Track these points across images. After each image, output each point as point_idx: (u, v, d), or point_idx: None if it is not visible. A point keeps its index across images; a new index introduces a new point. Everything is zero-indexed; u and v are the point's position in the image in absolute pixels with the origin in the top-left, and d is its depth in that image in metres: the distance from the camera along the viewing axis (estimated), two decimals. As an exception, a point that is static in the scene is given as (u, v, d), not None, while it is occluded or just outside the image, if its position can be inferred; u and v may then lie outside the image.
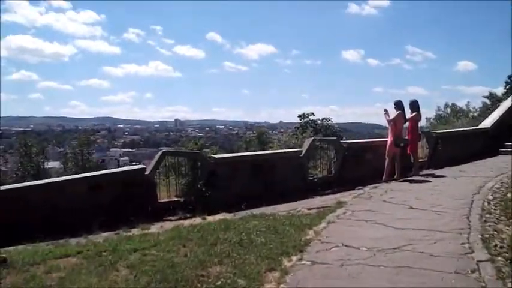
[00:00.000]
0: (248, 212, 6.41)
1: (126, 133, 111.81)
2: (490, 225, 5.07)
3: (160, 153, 7.22)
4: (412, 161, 9.51)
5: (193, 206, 6.82)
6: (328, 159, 9.26)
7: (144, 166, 7.27)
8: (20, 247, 4.98)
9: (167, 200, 7.09)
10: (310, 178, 8.74)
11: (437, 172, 9.59)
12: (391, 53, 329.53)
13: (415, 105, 9.46)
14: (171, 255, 4.26)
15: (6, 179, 24.37)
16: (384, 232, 4.99)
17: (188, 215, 6.69)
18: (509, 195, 6.52)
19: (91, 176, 6.88)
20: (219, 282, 3.53)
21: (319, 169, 9.21)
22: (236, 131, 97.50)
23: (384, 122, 9.38)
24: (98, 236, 5.51)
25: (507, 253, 4.03)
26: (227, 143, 64.15)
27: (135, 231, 5.68)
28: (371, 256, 4.16)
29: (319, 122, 31.42)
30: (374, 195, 7.33)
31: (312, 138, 9.94)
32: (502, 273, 3.59)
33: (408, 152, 9.37)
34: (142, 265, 3.98)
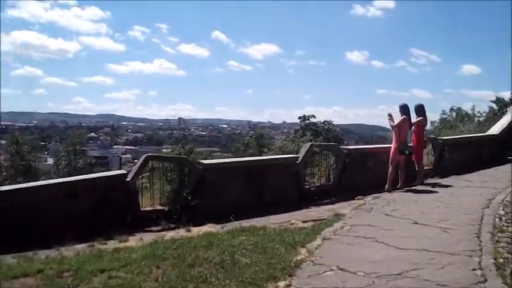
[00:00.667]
0: (237, 223, 5.91)
1: (130, 130, 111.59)
2: (503, 247, 4.62)
3: (143, 157, 6.65)
4: (417, 169, 8.97)
5: (178, 216, 6.30)
6: (327, 166, 8.73)
7: (125, 172, 6.73)
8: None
9: (150, 208, 6.56)
10: (307, 186, 8.21)
11: (443, 181, 9.07)
12: (395, 55, 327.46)
13: (421, 110, 8.96)
14: (140, 278, 3.75)
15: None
16: (385, 253, 4.50)
17: (172, 226, 6.18)
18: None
19: (67, 182, 6.35)
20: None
21: (317, 176, 8.68)
22: (239, 131, 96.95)
23: (386, 124, 8.87)
24: (71, 248, 5.05)
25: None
26: (230, 142, 63.96)
27: (111, 244, 5.23)
28: (369, 284, 3.66)
29: (320, 124, 30.97)
30: (375, 206, 6.85)
31: (310, 143, 9.40)
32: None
33: (413, 159, 8.83)
34: (105, 291, 3.47)
